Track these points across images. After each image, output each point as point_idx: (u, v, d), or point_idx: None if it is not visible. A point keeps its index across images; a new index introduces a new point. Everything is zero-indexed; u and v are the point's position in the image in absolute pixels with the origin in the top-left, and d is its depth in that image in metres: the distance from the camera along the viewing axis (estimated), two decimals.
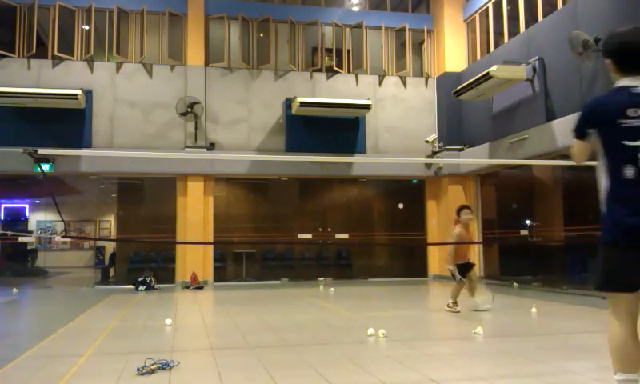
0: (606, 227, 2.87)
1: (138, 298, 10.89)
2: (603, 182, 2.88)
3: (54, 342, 6.00)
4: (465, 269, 8.25)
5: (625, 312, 2.81)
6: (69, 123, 13.07)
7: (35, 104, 12.61)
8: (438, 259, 15.18)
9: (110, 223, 23.54)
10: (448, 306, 8.23)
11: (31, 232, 21.17)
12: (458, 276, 8.20)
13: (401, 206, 15.95)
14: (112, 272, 16.09)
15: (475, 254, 14.59)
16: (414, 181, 15.64)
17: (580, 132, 2.92)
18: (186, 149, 13.60)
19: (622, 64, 2.84)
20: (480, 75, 11.84)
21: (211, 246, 13.92)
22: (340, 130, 14.47)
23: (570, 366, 4.58)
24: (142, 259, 14.54)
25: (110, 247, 20.07)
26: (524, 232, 13.38)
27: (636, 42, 2.82)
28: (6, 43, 13.40)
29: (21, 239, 17.53)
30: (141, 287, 12.36)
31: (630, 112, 2.74)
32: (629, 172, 2.75)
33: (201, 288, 12.80)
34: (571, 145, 3.00)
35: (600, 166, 2.90)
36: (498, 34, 13.91)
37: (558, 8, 11.66)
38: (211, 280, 13.80)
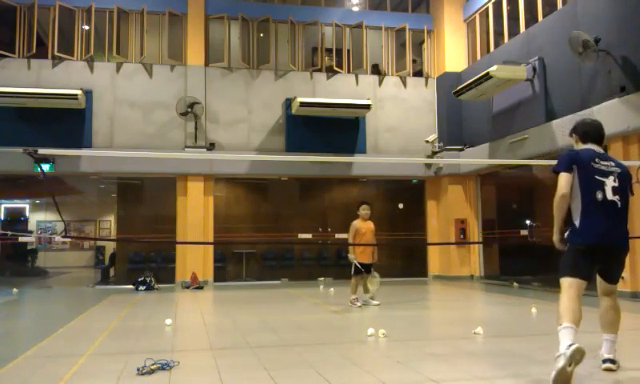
0: (576, 234, 4.14)
1: (138, 298, 10.89)
2: (577, 204, 4.16)
3: (54, 342, 5.99)
4: (366, 269, 8.83)
5: (576, 294, 4.01)
6: (69, 123, 13.08)
7: (35, 104, 12.61)
8: (438, 259, 15.19)
9: (110, 223, 23.53)
10: (351, 301, 8.69)
11: (31, 232, 21.16)
12: (356, 269, 8.75)
13: (401, 205, 15.95)
14: (112, 272, 16.10)
15: (475, 254, 14.62)
16: (414, 181, 15.64)
17: (568, 167, 4.19)
18: (186, 149, 13.60)
19: (584, 138, 4.40)
20: (480, 75, 11.83)
21: (211, 246, 13.91)
22: (340, 130, 14.47)
23: None
24: (142, 259, 14.54)
25: (110, 247, 20.05)
26: (524, 232, 13.38)
27: (593, 128, 4.44)
28: (6, 43, 13.40)
29: (21, 239, 17.52)
30: (141, 287, 12.35)
31: (597, 160, 4.21)
32: (599, 195, 4.11)
33: (201, 288, 12.80)
34: (559, 179, 4.19)
35: (574, 194, 4.17)
36: (498, 34, 13.91)
37: (558, 8, 11.66)
38: (211, 280, 13.79)
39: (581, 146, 4.39)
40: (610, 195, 4.13)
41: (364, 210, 8.95)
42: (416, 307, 9.30)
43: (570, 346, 3.67)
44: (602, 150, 4.33)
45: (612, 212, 4.13)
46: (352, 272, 8.84)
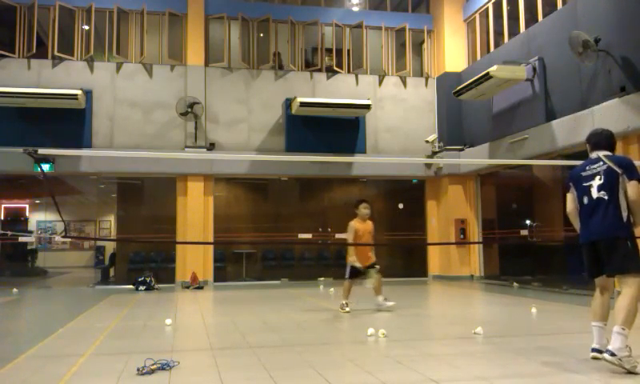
0: (579, 235, 4.75)
1: (138, 297, 10.89)
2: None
3: (54, 342, 6.00)
4: (362, 273, 8.19)
5: (599, 287, 4.67)
6: (69, 123, 13.07)
7: (35, 104, 12.61)
8: (438, 259, 15.19)
9: (110, 223, 23.54)
10: (340, 306, 8.18)
11: (31, 232, 21.16)
12: (353, 272, 8.19)
13: (401, 206, 15.94)
14: (112, 272, 16.09)
15: (475, 254, 14.62)
16: (414, 181, 15.64)
17: (568, 187, 4.87)
18: (186, 149, 13.60)
19: (592, 147, 4.83)
20: (480, 75, 11.83)
21: (211, 246, 13.91)
22: (340, 130, 14.47)
23: (570, 366, 4.57)
24: (142, 259, 14.54)
25: (110, 247, 20.06)
26: (524, 232, 13.38)
27: (597, 137, 4.84)
28: (6, 43, 13.40)
29: (21, 239, 17.52)
30: (141, 287, 12.36)
31: (587, 168, 4.72)
32: (585, 200, 4.65)
33: (201, 288, 12.80)
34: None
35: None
36: (498, 33, 13.91)
37: (558, 8, 11.66)
38: (211, 280, 13.79)
39: (590, 155, 4.82)
40: (595, 194, 4.57)
41: (364, 209, 8.21)
42: (416, 307, 9.29)
43: (591, 349, 4.58)
44: (600, 154, 4.69)
45: (598, 208, 4.53)
46: (347, 275, 8.23)
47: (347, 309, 8.14)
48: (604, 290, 4.64)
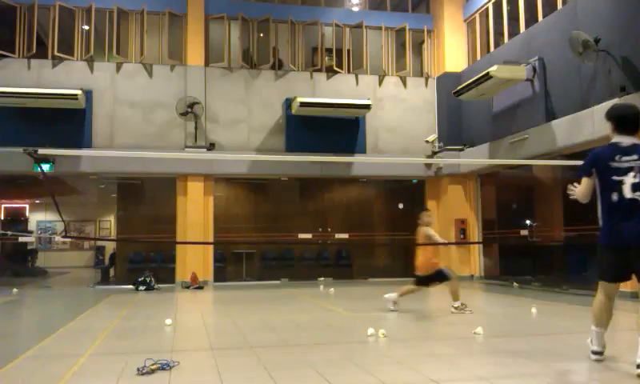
0: (601, 235, 4.31)
1: (138, 297, 10.89)
2: (599, 205, 4.29)
3: (54, 342, 6.00)
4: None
5: (606, 293, 4.34)
6: (69, 123, 13.07)
7: (35, 104, 12.61)
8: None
9: (110, 223, 23.53)
10: (459, 308, 8.09)
11: (31, 232, 21.15)
12: (452, 274, 8.36)
13: (401, 206, 15.94)
14: (112, 272, 16.09)
15: (475, 254, 14.63)
16: (414, 181, 15.64)
17: (587, 171, 4.31)
18: (186, 149, 13.60)
19: (618, 127, 4.30)
20: (480, 75, 11.83)
21: (211, 246, 13.91)
22: (340, 130, 14.46)
23: (570, 366, 4.58)
24: (142, 259, 14.54)
25: (110, 247, 20.05)
26: (524, 232, 13.38)
27: (629, 114, 4.32)
28: (6, 43, 13.39)
29: (21, 239, 17.51)
30: (141, 287, 12.35)
31: (617, 158, 4.17)
32: (614, 197, 4.16)
33: (201, 288, 12.80)
34: (581, 183, 4.36)
35: (597, 195, 4.28)
36: (498, 33, 13.90)
37: (558, 8, 11.66)
38: (211, 280, 13.79)
39: (614, 138, 4.30)
40: (628, 194, 4.10)
41: (428, 217, 8.76)
42: (416, 307, 9.28)
43: (593, 352, 4.45)
44: (630, 142, 4.22)
45: (632, 210, 4.09)
46: (449, 276, 8.34)
47: (468, 309, 8.08)
48: (611, 297, 4.37)
